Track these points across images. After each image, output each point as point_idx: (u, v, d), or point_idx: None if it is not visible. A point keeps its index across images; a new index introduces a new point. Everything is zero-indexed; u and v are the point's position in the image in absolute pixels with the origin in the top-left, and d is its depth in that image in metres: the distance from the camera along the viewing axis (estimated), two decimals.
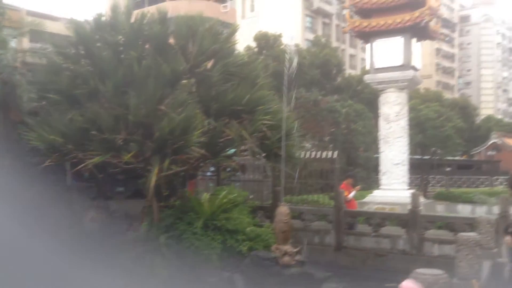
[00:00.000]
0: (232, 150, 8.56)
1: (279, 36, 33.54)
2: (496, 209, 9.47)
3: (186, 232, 7.66)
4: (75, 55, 7.73)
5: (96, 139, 6.62)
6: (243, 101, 7.46)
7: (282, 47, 29.83)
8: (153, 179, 6.56)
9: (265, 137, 7.93)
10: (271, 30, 35.32)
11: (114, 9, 7.91)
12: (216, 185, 11.60)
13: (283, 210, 7.30)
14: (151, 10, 8.37)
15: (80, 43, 7.62)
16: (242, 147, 8.73)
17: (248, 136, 7.46)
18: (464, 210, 14.55)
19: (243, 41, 35.37)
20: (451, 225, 8.98)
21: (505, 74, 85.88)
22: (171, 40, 7.91)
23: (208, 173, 12.72)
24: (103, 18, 7.91)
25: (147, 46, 7.67)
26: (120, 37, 7.64)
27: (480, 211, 12.97)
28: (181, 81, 7.63)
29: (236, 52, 10.16)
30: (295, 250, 7.14)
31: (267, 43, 33.41)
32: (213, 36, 7.93)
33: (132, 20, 7.77)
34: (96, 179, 8.44)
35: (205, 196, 8.80)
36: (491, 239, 5.37)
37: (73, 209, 7.96)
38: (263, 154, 8.55)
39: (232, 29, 8.73)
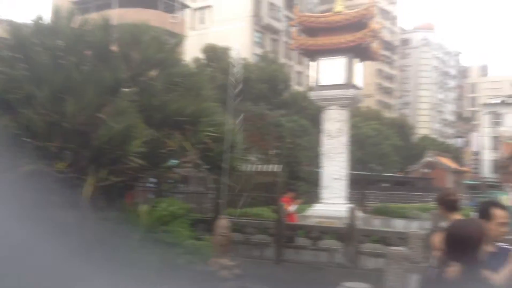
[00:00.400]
0: (174, 162, 8.46)
1: (228, 49, 33.76)
2: (427, 224, 9.92)
3: (122, 245, 7.44)
4: (11, 58, 7.38)
5: (29, 146, 6.34)
6: (186, 112, 7.41)
7: (230, 60, 30.02)
8: (88, 190, 6.35)
9: (208, 149, 7.91)
10: (220, 42, 35.48)
11: (56, 13, 7.67)
12: (156, 197, 11.39)
13: (222, 223, 7.28)
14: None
15: (17, 46, 7.31)
16: (185, 159, 8.65)
17: (191, 147, 7.41)
18: (398, 224, 15.14)
19: (192, 53, 35.38)
20: (385, 239, 9.32)
21: (441, 96, 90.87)
22: (114, 48, 7.75)
23: (150, 185, 12.48)
24: (43, 22, 7.64)
25: (88, 52, 7.48)
26: (60, 42, 7.40)
27: (413, 226, 13.54)
28: (122, 89, 7.48)
29: (183, 63, 10.11)
30: (233, 263, 7.13)
31: (216, 56, 33.50)
32: (158, 45, 7.87)
33: (76, 25, 7.56)
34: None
35: (144, 208, 8.61)
36: (420, 253, 5.62)
37: None
38: (206, 166, 8.52)
39: (178, 39, 8.71)
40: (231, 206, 11.68)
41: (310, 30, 15.05)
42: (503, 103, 62.22)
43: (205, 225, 10.57)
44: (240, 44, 39.55)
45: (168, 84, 7.65)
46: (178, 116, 7.35)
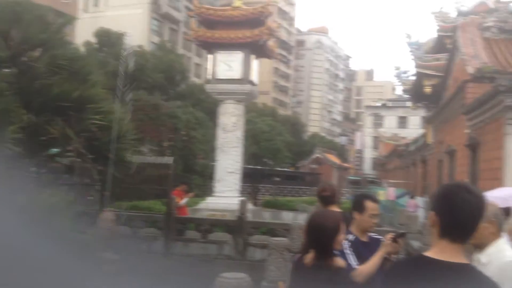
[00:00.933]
0: (56, 150, 7.88)
1: (122, 35, 32.34)
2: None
3: None
4: None
5: None
6: (71, 97, 6.91)
7: (123, 46, 28.80)
8: None
9: (94, 138, 7.47)
10: (115, 28, 33.84)
11: None
12: (37, 187, 10.54)
13: (107, 216, 6.96)
14: None
15: None
16: (68, 147, 8.09)
17: (74, 136, 6.94)
18: (287, 217, 15.75)
19: (84, 36, 33.30)
20: (272, 230, 9.64)
21: (330, 97, 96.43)
22: None
23: (31, 175, 11.51)
24: None
25: None
26: None
27: (300, 218, 14.18)
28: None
29: (72, 45, 9.46)
30: (117, 257, 6.85)
31: (109, 41, 31.91)
32: (42, 25, 7.25)
33: None
34: None
35: (22, 199, 7.91)
36: (300, 244, 5.89)
37: None
38: (91, 156, 8.05)
39: (65, 19, 8.09)
40: (119, 199, 11.23)
41: (209, 22, 15.00)
42: (384, 106, 67.88)
43: (89, 218, 10.03)
44: (136, 31, 38.19)
45: (52, 67, 7.07)
46: (61, 101, 6.82)
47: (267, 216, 16.09)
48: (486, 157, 12.83)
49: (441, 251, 1.78)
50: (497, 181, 10.85)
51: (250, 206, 13.38)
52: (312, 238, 2.83)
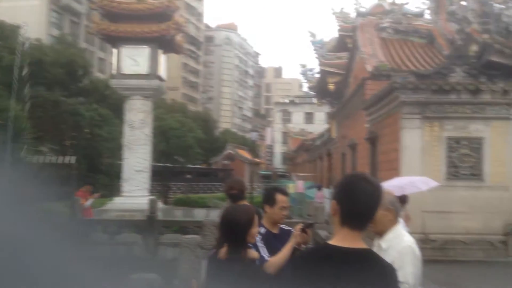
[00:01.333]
0: None
1: (18, 27, 29.88)
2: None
3: None
4: None
5: None
6: None
7: (19, 39, 26.66)
8: None
9: None
10: (10, 19, 31.18)
11: None
12: None
13: None
14: None
15: None
16: None
17: None
18: (199, 214, 15.66)
19: None
20: (184, 228, 9.52)
21: (241, 93, 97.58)
22: None
23: None
24: None
25: None
26: None
27: (213, 215, 14.19)
28: None
29: None
30: None
31: (3, 34, 29.31)
32: None
33: None
34: None
35: None
36: (212, 240, 5.87)
37: None
38: None
39: None
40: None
41: (113, 15, 14.40)
42: (292, 103, 70.15)
43: None
44: (33, 23, 35.58)
45: None
46: None
47: (178, 214, 15.88)
48: (384, 150, 13.76)
49: (342, 239, 1.86)
50: (394, 172, 11.69)
51: (160, 205, 13.11)
52: (226, 232, 2.87)
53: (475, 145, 11.95)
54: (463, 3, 14.45)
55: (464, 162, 11.93)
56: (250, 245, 2.94)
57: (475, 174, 11.91)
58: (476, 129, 11.95)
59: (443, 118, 12.05)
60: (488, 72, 12.34)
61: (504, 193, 11.72)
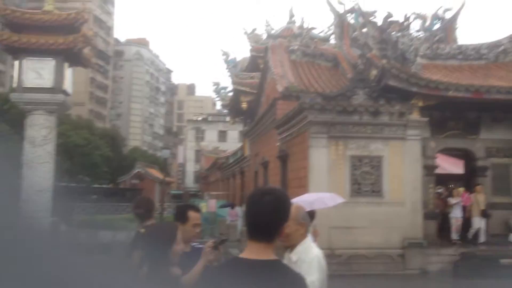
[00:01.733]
0: None
1: None
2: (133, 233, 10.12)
3: None
4: None
5: None
6: None
7: None
8: None
9: None
10: None
11: None
12: None
13: None
14: None
15: None
16: None
17: None
18: (105, 236, 14.97)
19: None
20: (89, 251, 9.03)
21: (152, 110, 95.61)
22: None
23: None
24: None
25: None
26: None
27: (120, 236, 13.63)
28: None
29: None
30: None
31: None
32: None
33: None
34: None
35: None
36: (122, 261, 5.64)
37: None
38: None
39: None
40: None
41: (15, 25, 13.53)
42: (205, 121, 70.13)
43: None
44: None
45: None
46: None
47: (83, 236, 15.05)
48: (294, 167, 14.25)
49: (250, 251, 1.91)
50: (303, 189, 12.13)
51: (63, 227, 12.34)
52: (150, 250, 2.88)
53: (375, 163, 12.81)
54: (365, 30, 15.57)
55: (365, 180, 12.72)
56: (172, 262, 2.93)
57: (376, 190, 12.74)
58: (376, 148, 12.83)
59: (347, 138, 12.79)
60: (387, 95, 13.37)
61: (402, 209, 12.65)
